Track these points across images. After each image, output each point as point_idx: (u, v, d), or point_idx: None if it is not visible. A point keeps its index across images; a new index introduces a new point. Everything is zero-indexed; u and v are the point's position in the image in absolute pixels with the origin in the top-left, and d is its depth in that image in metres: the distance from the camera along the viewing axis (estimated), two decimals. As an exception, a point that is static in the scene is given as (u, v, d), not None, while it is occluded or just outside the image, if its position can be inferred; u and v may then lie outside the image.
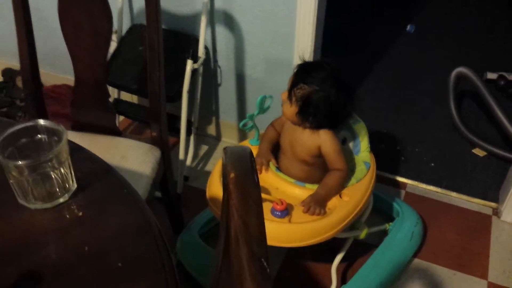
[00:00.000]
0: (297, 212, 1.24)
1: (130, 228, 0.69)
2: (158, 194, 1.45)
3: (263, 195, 1.19)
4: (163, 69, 1.27)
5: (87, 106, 1.33)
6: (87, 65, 1.28)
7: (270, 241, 1.20)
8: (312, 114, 1.25)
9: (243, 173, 0.56)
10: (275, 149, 1.42)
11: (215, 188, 1.30)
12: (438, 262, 1.60)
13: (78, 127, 1.35)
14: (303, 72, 1.26)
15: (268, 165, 1.36)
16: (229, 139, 2.09)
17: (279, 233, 1.19)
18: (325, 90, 1.22)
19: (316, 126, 1.28)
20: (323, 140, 1.28)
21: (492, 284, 1.53)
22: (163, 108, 1.31)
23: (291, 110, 1.26)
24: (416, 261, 1.60)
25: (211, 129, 2.10)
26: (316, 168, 1.35)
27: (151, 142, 1.34)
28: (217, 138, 2.12)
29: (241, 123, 1.40)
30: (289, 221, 1.21)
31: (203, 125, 2.09)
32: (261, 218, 0.57)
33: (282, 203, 1.20)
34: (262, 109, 1.40)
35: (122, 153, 1.28)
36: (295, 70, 1.29)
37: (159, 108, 1.30)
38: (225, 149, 0.59)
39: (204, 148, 2.06)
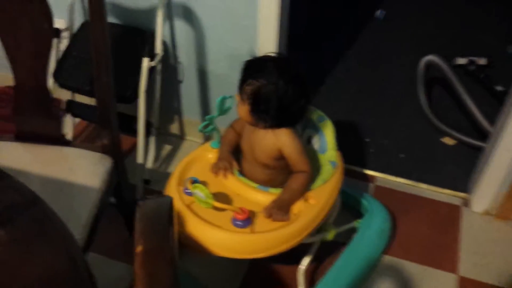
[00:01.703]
0: (261, 220, 1.17)
1: (52, 275, 0.60)
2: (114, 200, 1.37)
3: (223, 205, 1.13)
4: (111, 73, 1.18)
5: (30, 114, 1.23)
6: (28, 70, 1.19)
7: (232, 254, 1.15)
8: (264, 110, 1.18)
9: (155, 247, 0.45)
10: (237, 152, 1.35)
11: (173, 197, 1.22)
12: (408, 257, 1.57)
13: (23, 136, 1.26)
14: (250, 67, 1.21)
15: (231, 169, 1.30)
16: (193, 137, 2.01)
17: (242, 244, 1.13)
18: (273, 83, 1.16)
19: (273, 124, 1.21)
20: (283, 141, 1.22)
21: (463, 278, 1.51)
22: (113, 113, 1.23)
23: (245, 109, 1.20)
24: (387, 258, 1.57)
25: (174, 128, 2.02)
26: (278, 171, 1.29)
27: (102, 150, 1.25)
28: (181, 136, 2.03)
29: (200, 126, 1.32)
30: (252, 230, 1.15)
31: (166, 124, 2.00)
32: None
33: (243, 212, 1.14)
34: (223, 111, 1.32)
35: (69, 165, 1.20)
36: (243, 67, 1.22)
37: (109, 114, 1.22)
38: (139, 205, 0.49)
39: (168, 148, 1.98)
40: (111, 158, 1.25)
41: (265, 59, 1.23)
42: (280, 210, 1.17)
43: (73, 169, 1.19)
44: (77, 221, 1.06)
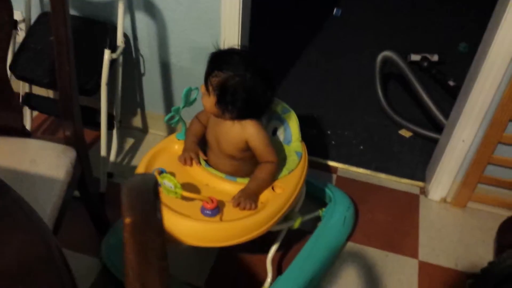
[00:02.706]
0: (229, 209, 1.18)
1: (29, 261, 0.59)
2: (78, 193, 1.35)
3: (192, 194, 1.13)
4: (74, 63, 1.15)
5: (-12, 106, 1.18)
6: (-15, 61, 1.14)
7: (202, 242, 1.16)
8: (230, 102, 1.19)
9: (143, 218, 0.45)
10: (203, 143, 1.35)
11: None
12: (370, 244, 1.62)
13: (-19, 129, 1.21)
14: (217, 59, 1.20)
15: (197, 159, 1.29)
16: (156, 130, 2.00)
17: (211, 233, 1.13)
18: (241, 75, 1.17)
19: (238, 115, 1.22)
20: (250, 133, 1.23)
21: (422, 263, 1.58)
22: (75, 104, 1.20)
23: (210, 101, 1.20)
24: (350, 244, 1.62)
25: (137, 121, 1.99)
26: (245, 162, 1.30)
27: (64, 142, 1.22)
28: (144, 130, 2.01)
29: (166, 118, 1.31)
30: (221, 219, 1.15)
31: (128, 117, 1.97)
32: (163, 278, 0.46)
33: (212, 202, 1.14)
34: (188, 102, 1.32)
35: (31, 157, 1.16)
36: (208, 59, 1.22)
37: (71, 105, 1.19)
38: (124, 184, 0.48)
39: (130, 142, 1.95)
40: (74, 149, 1.22)
41: (231, 52, 1.23)
42: (247, 199, 1.18)
43: (36, 161, 1.15)
44: (41, 213, 1.03)
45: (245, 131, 1.23)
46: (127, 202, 0.45)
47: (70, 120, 1.21)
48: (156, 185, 0.49)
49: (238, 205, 1.17)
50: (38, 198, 1.07)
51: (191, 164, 1.28)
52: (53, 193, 1.09)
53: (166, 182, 1.11)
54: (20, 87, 1.76)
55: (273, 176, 1.26)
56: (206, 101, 1.22)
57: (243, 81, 1.17)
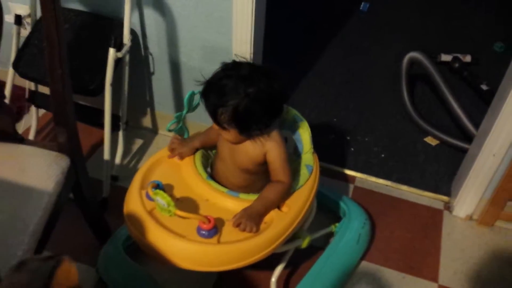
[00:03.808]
0: (228, 229, 1.08)
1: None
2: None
3: (187, 214, 1.04)
4: (67, 65, 1.07)
5: (-22, 109, 1.12)
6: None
7: (197, 266, 1.05)
8: (253, 123, 1.10)
9: None
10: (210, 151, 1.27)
11: (134, 202, 1.12)
12: (386, 264, 1.50)
13: (-29, 133, 1.14)
14: (211, 97, 1.09)
15: (180, 155, 1.22)
16: (167, 131, 1.91)
17: (207, 256, 1.04)
18: (245, 96, 1.06)
19: (265, 128, 1.13)
20: (270, 147, 1.14)
21: (442, 287, 1.45)
22: (69, 110, 1.12)
23: (232, 134, 1.11)
24: (364, 264, 1.50)
25: (146, 121, 1.91)
26: (258, 177, 1.21)
27: (58, 149, 1.15)
28: (154, 130, 1.93)
29: (168, 125, 1.23)
30: (218, 241, 1.06)
31: (137, 117, 1.89)
32: None
33: (209, 221, 1.05)
34: (191, 107, 1.23)
35: (21, 165, 1.09)
36: (203, 100, 1.11)
37: (65, 110, 1.11)
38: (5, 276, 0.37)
39: (139, 143, 1.87)
40: (67, 157, 1.15)
41: (218, 78, 1.10)
42: (249, 221, 1.08)
43: (25, 170, 1.08)
44: (23, 230, 0.96)
45: (264, 144, 1.14)
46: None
47: (64, 126, 1.14)
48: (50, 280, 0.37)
49: (238, 225, 1.08)
50: (22, 212, 1.00)
51: (173, 156, 1.23)
52: (39, 206, 1.02)
53: (159, 200, 1.03)
54: (26, 84, 1.70)
55: (282, 198, 1.16)
56: (228, 136, 1.13)
57: (251, 99, 1.07)
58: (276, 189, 1.14)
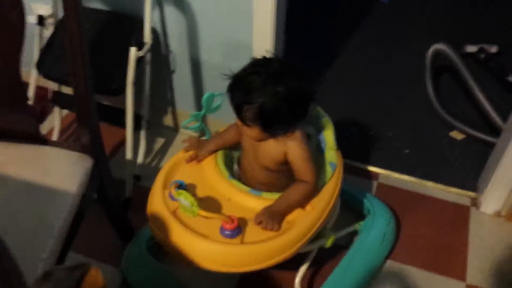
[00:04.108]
0: (252, 229, 1.07)
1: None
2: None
3: (210, 214, 1.03)
4: (89, 65, 1.07)
5: (2, 110, 1.13)
6: (-1, 64, 1.08)
7: (220, 267, 1.04)
8: (277, 122, 1.08)
9: None
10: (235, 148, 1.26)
11: (157, 202, 1.12)
12: (412, 263, 1.47)
13: (-4, 134, 1.16)
14: (238, 92, 1.07)
15: (197, 158, 1.21)
16: (188, 130, 1.90)
17: (231, 256, 1.03)
18: (273, 94, 1.04)
19: (289, 128, 1.11)
20: (290, 146, 1.12)
21: (470, 287, 1.41)
22: (92, 110, 1.12)
23: (255, 131, 1.09)
24: (389, 262, 1.47)
25: (168, 120, 1.92)
26: (282, 174, 1.19)
27: (81, 149, 1.15)
28: (175, 129, 1.93)
29: (184, 123, 1.22)
30: (242, 241, 1.05)
31: (158, 116, 1.90)
32: None
33: (232, 221, 1.04)
34: (210, 108, 1.22)
35: (45, 166, 1.10)
36: (229, 95, 1.09)
37: (88, 110, 1.11)
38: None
39: (160, 142, 1.88)
40: (91, 157, 1.15)
41: (246, 74, 1.07)
42: (271, 219, 1.07)
43: (49, 171, 1.09)
44: (47, 232, 0.97)
45: (286, 143, 1.12)
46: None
47: (87, 127, 1.14)
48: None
49: (259, 223, 1.06)
50: (46, 214, 1.00)
51: (192, 159, 1.21)
52: (64, 208, 1.03)
53: (182, 200, 1.02)
54: (49, 85, 1.72)
55: (307, 199, 1.13)
56: (250, 133, 1.11)
57: (279, 98, 1.05)
58: (300, 189, 1.12)
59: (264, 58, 1.11)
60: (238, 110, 1.07)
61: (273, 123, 1.08)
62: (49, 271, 0.41)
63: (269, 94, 1.04)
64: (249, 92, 1.05)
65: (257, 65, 1.09)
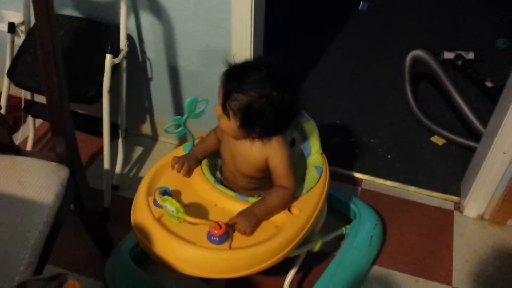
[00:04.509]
0: (239, 235, 1.04)
1: None
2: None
3: (197, 220, 0.99)
4: (63, 73, 1.02)
5: (-28, 120, 1.07)
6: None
7: (208, 273, 0.99)
8: (257, 124, 1.05)
9: None
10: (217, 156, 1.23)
11: (141, 209, 1.08)
12: (398, 268, 1.46)
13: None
14: (234, 79, 1.04)
15: (188, 169, 1.16)
16: (167, 138, 1.87)
17: (219, 262, 0.99)
18: (267, 95, 1.02)
19: (266, 135, 1.09)
20: (271, 151, 1.09)
21: (457, 290, 1.41)
22: (66, 119, 1.08)
23: (231, 125, 1.06)
24: (375, 268, 1.45)
25: (146, 128, 1.87)
26: (266, 180, 1.15)
27: (56, 159, 1.10)
28: (154, 137, 1.89)
29: (165, 126, 1.18)
30: (230, 246, 1.01)
31: (136, 124, 1.85)
32: None
33: (220, 227, 1.00)
34: (193, 113, 1.18)
35: (19, 177, 1.04)
36: (222, 79, 1.06)
37: (62, 119, 1.07)
38: None
39: (139, 150, 1.83)
40: (67, 167, 1.10)
41: (247, 67, 1.06)
42: (246, 221, 1.03)
43: (23, 182, 1.03)
44: (23, 245, 0.91)
45: (266, 149, 1.10)
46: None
47: (62, 136, 1.09)
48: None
49: (234, 224, 1.03)
50: (22, 226, 0.95)
51: (179, 171, 1.15)
52: (39, 220, 0.97)
53: (168, 206, 0.98)
54: (22, 94, 1.66)
55: (285, 204, 1.11)
56: (226, 125, 1.08)
57: (270, 101, 1.03)
58: (278, 194, 1.09)
59: (271, 61, 1.08)
60: (226, 96, 1.04)
61: (253, 123, 1.05)
62: (24, 282, 0.38)
63: (263, 93, 1.01)
64: (245, 83, 1.02)
65: (262, 64, 1.06)
